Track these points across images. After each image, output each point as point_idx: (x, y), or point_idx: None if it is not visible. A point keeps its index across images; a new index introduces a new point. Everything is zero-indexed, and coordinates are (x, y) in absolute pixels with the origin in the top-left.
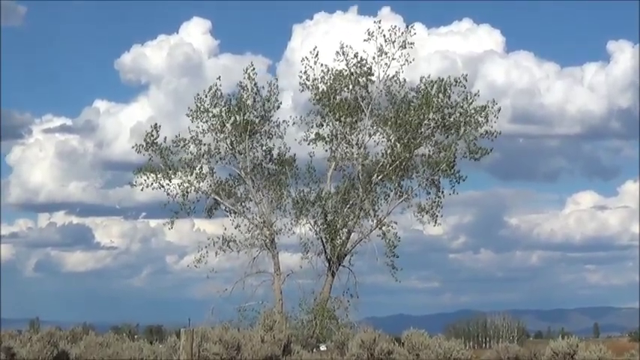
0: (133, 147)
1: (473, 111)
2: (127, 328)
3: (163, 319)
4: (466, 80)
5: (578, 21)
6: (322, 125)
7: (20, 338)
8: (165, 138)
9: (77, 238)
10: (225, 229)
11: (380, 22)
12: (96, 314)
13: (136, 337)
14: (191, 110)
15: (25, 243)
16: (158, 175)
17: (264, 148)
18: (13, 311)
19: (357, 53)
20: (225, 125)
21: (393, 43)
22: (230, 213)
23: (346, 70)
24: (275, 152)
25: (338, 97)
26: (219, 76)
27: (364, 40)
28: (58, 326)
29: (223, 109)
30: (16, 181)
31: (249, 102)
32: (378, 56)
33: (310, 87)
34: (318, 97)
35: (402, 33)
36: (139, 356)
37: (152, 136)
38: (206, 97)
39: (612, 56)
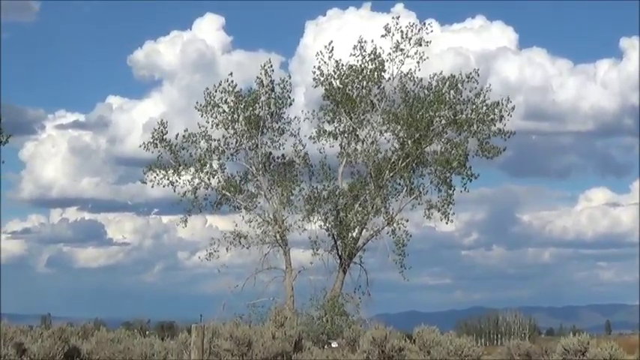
0: (140, 146)
1: (485, 108)
2: (139, 324)
3: (175, 315)
4: (478, 75)
5: (591, 17)
6: (333, 121)
7: (31, 334)
8: (177, 135)
9: (89, 234)
10: (236, 225)
11: (398, 18)
12: (107, 310)
13: (147, 333)
14: (200, 105)
15: (38, 239)
16: (168, 172)
17: (275, 144)
18: (25, 307)
19: (374, 49)
20: (235, 121)
21: (409, 40)
22: (241, 209)
23: (359, 66)
24: (286, 149)
25: (350, 93)
26: (231, 72)
27: (382, 36)
28: (70, 322)
29: (233, 104)
30: (29, 176)
31: (263, 98)
32: (394, 52)
33: (323, 82)
34: (329, 92)
35: (419, 30)
36: (150, 352)
37: (161, 132)
38: (216, 91)
39: (625, 53)
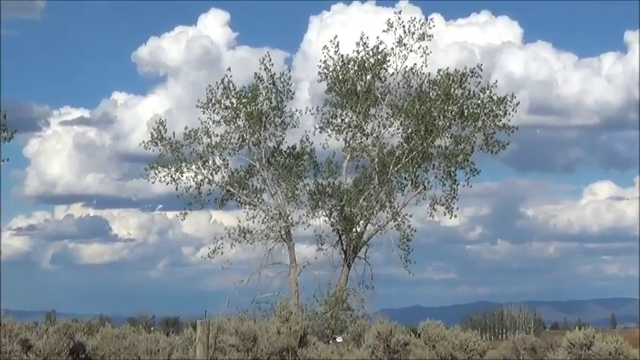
0: (139, 144)
1: (491, 102)
2: (144, 320)
3: (180, 311)
4: (481, 70)
5: (595, 11)
6: (336, 116)
7: (36, 330)
8: (174, 133)
9: (94, 230)
10: (240, 221)
11: (400, 12)
12: (112, 306)
13: (152, 328)
14: (202, 102)
15: (42, 235)
16: (170, 170)
17: (278, 139)
18: (30, 303)
19: (378, 45)
20: (237, 116)
21: (412, 35)
22: (245, 205)
23: (360, 58)
24: (290, 144)
25: (354, 86)
26: (229, 67)
27: (383, 31)
28: (75, 318)
29: (234, 99)
30: (34, 173)
31: (264, 92)
32: (397, 47)
33: (328, 76)
34: (332, 85)
35: (422, 25)
36: (156, 348)
37: (159, 131)
38: (217, 88)
39: (630, 47)
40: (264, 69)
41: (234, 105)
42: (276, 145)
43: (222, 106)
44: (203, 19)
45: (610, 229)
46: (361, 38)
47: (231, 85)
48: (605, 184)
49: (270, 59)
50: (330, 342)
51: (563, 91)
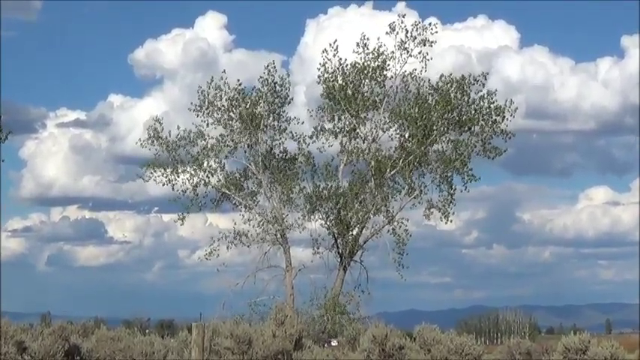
0: (136, 142)
1: (489, 109)
2: (139, 322)
3: (175, 313)
4: (486, 79)
5: (592, 16)
6: (333, 119)
7: (31, 332)
8: (170, 132)
9: (90, 232)
10: (236, 223)
11: (404, 16)
12: (108, 309)
13: (147, 331)
14: (195, 105)
15: (38, 237)
16: (166, 170)
17: (274, 142)
18: (25, 305)
19: (379, 46)
20: (232, 118)
21: (414, 39)
22: (241, 207)
23: (362, 64)
24: (287, 147)
25: (351, 91)
26: (224, 70)
27: (386, 33)
28: (70, 320)
29: (226, 102)
30: (30, 174)
31: (264, 96)
32: (398, 50)
33: (327, 80)
34: (329, 90)
35: (425, 30)
36: (151, 350)
37: (156, 130)
38: (209, 88)
39: (626, 51)
40: (268, 73)
41: (226, 107)
42: (269, 149)
43: (215, 108)
44: (200, 22)
45: (606, 234)
46: (362, 39)
47: (221, 87)
48: (601, 189)
49: (275, 66)
50: (325, 345)
51: (560, 95)
